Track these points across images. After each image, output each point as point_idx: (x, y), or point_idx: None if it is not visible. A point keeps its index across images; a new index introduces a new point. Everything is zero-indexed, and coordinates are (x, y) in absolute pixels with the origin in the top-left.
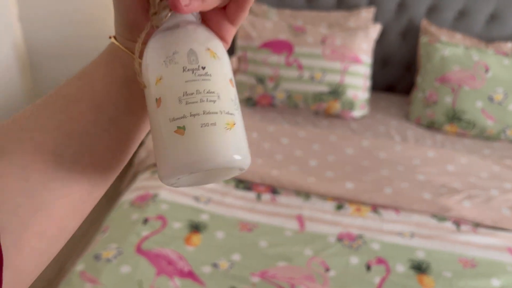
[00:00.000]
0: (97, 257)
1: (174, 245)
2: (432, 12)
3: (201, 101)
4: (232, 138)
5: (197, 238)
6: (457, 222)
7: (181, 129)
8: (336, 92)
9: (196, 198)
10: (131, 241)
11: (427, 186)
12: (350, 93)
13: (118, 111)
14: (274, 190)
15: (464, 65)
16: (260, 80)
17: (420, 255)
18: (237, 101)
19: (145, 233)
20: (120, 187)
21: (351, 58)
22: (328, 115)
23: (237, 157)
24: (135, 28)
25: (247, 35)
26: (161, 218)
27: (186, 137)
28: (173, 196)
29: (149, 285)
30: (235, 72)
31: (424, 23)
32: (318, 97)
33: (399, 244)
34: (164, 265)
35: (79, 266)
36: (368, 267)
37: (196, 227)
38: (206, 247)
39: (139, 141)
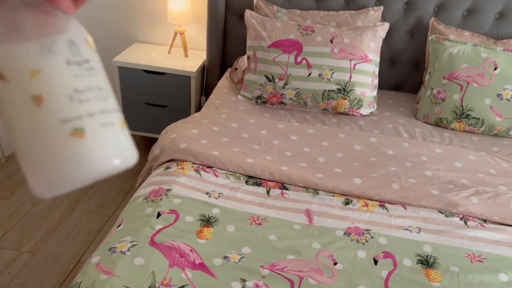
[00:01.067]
0: (112, 250)
1: (186, 238)
2: (440, 11)
3: (95, 98)
4: (127, 135)
5: (208, 232)
6: (465, 218)
7: (78, 131)
8: (344, 90)
9: (208, 193)
10: (145, 234)
11: (435, 182)
12: (358, 91)
13: None
14: (283, 186)
15: (472, 63)
16: (270, 79)
17: (427, 250)
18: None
19: (158, 226)
20: (135, 184)
21: (359, 57)
22: (336, 112)
23: (134, 155)
24: None
25: (258, 34)
26: (174, 212)
27: (86, 140)
28: (185, 191)
29: (162, 277)
30: (246, 71)
31: (433, 22)
32: (327, 95)
33: (407, 238)
34: (176, 257)
35: (95, 258)
36: (376, 261)
37: (207, 221)
38: (217, 240)
39: None
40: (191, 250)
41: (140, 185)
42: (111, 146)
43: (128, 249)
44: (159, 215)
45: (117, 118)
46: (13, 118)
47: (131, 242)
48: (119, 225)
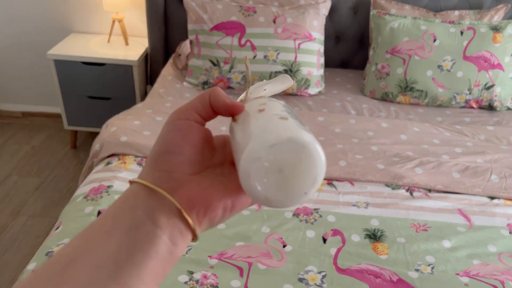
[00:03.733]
0: (49, 254)
1: None
2: None
3: (293, 117)
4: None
5: None
6: (411, 189)
7: (284, 118)
8: (290, 70)
9: None
10: None
11: (381, 156)
12: (304, 71)
13: (118, 265)
14: None
15: (412, 36)
16: (215, 63)
17: (375, 224)
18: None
19: None
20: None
21: (303, 36)
22: (284, 93)
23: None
24: (172, 155)
25: (199, 18)
26: None
27: (288, 122)
28: (127, 186)
29: None
30: (190, 56)
31: None
32: (274, 76)
33: (355, 214)
34: None
35: (31, 265)
36: (324, 240)
37: None
38: None
39: None
40: None
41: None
42: (301, 131)
43: None
44: (99, 213)
45: (294, 121)
46: (242, 126)
47: None
48: (57, 227)
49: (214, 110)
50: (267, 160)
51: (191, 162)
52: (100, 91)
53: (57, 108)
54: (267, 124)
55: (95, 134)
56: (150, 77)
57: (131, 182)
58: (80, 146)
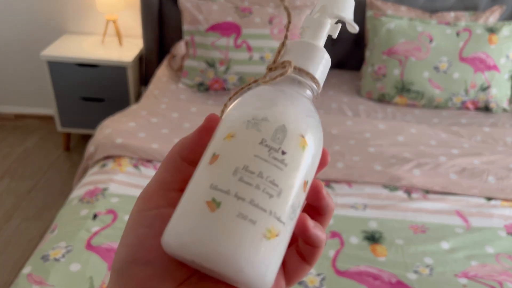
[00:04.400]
0: (44, 258)
1: None
2: None
3: (257, 187)
4: (266, 252)
5: None
6: (408, 191)
7: (214, 204)
8: None
9: None
10: (81, 237)
11: (378, 157)
12: None
13: None
14: None
15: (409, 37)
16: (210, 64)
17: (373, 226)
18: (298, 212)
19: (95, 228)
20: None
21: (299, 37)
22: None
23: (258, 278)
24: (139, 266)
25: (194, 18)
26: (111, 212)
27: (212, 216)
28: (123, 188)
29: (100, 281)
30: (185, 57)
31: None
32: None
33: (353, 216)
34: None
35: (26, 269)
36: None
37: None
38: None
39: None
40: None
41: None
42: (232, 241)
43: (63, 255)
44: (95, 216)
45: (265, 222)
46: (197, 167)
47: (66, 247)
48: (52, 231)
49: (189, 160)
50: (180, 257)
51: (169, 271)
52: (94, 92)
53: (50, 109)
54: (188, 205)
55: (88, 136)
56: (145, 78)
57: None
58: (73, 148)
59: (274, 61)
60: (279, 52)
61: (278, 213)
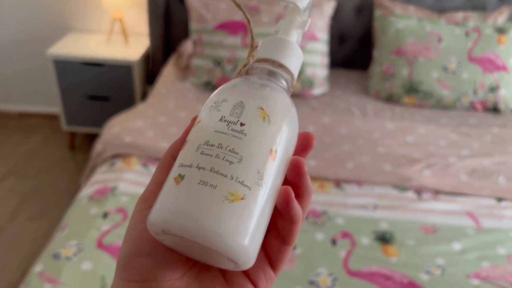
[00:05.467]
0: (56, 256)
1: None
2: None
3: (217, 156)
4: (229, 214)
5: None
6: (418, 191)
7: (179, 178)
8: None
9: None
10: (91, 236)
11: (388, 158)
12: (308, 71)
13: None
14: None
15: (418, 37)
16: (218, 63)
17: (384, 226)
18: (270, 179)
19: (105, 227)
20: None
21: (307, 36)
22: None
23: (226, 239)
24: (143, 257)
25: (201, 17)
26: (121, 211)
27: (178, 188)
28: (133, 187)
29: (112, 280)
30: (192, 56)
31: None
32: None
33: (363, 217)
34: None
35: (38, 267)
36: (334, 242)
37: None
38: None
39: None
40: None
41: (82, 185)
42: (196, 207)
43: (74, 254)
44: (105, 215)
45: (227, 186)
46: None
47: (77, 246)
48: (63, 230)
49: None
50: (162, 237)
51: (170, 262)
52: (99, 91)
53: (54, 108)
54: (162, 188)
55: (93, 135)
56: (152, 77)
57: None
58: (78, 147)
59: (248, 60)
60: (249, 53)
61: (241, 177)
